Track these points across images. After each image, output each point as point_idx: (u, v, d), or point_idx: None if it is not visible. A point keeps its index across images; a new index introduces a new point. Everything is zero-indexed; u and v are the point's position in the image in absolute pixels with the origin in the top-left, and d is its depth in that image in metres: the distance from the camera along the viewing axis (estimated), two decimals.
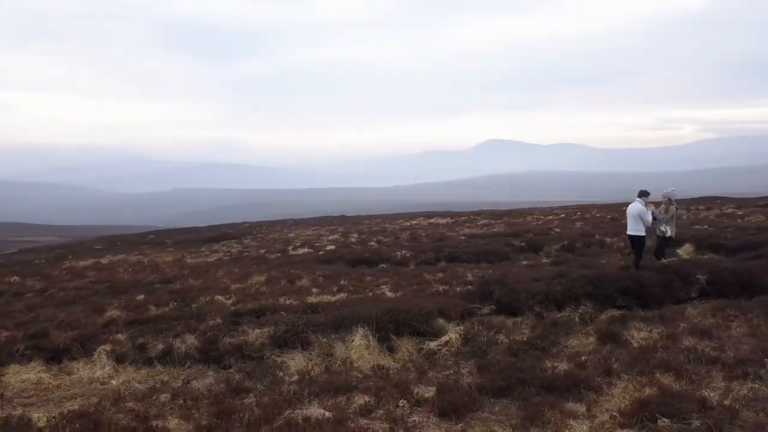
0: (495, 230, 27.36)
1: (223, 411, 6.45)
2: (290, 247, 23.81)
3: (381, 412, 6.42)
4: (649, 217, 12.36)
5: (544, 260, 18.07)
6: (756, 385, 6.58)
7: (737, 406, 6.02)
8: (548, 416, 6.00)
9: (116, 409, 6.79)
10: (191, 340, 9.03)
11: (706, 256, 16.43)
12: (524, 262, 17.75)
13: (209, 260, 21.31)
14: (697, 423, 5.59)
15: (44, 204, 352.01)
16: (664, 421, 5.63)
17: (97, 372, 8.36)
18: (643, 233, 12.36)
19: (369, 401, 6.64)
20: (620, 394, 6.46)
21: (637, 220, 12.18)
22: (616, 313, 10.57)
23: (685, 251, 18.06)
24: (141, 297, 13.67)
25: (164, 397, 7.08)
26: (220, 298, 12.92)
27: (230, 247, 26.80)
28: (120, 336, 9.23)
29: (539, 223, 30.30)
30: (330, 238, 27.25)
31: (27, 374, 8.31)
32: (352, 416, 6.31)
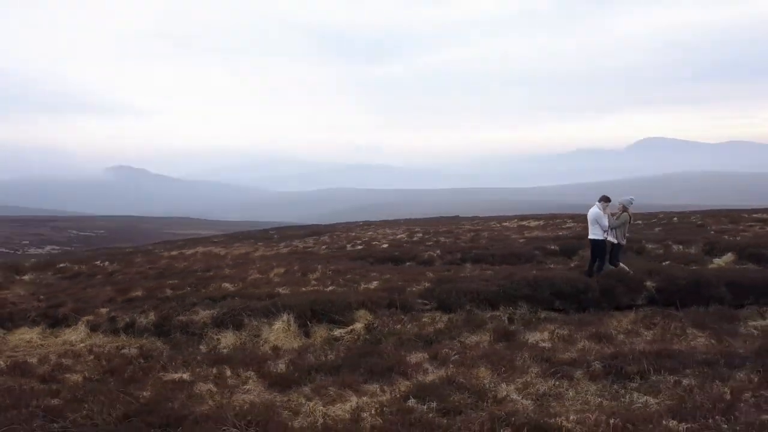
0: (561, 234, 27.02)
1: (112, 369, 8.18)
2: (349, 245, 25.49)
3: (229, 380, 7.76)
4: (605, 222, 12.31)
5: (571, 264, 17.98)
6: (556, 382, 7.01)
7: (513, 396, 6.59)
8: (342, 393, 6.97)
9: (51, 362, 8.80)
10: (151, 316, 10.94)
11: (738, 266, 15.61)
12: (551, 266, 17.82)
13: (268, 254, 23.61)
14: (449, 404, 6.30)
15: (211, 201, 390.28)
16: (414, 402, 6.40)
17: (72, 336, 10.52)
18: (601, 237, 12.33)
19: (225, 372, 8.00)
20: (418, 380, 7.23)
21: (594, 224, 12.21)
22: (548, 314, 10.94)
23: (724, 260, 17.12)
24: (174, 281, 16.00)
25: (90, 356, 8.97)
26: (227, 285, 14.83)
27: (305, 242, 29.10)
28: (102, 310, 11.40)
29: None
30: (397, 237, 28.54)
31: (26, 335, 10.69)
32: (203, 379, 7.72)
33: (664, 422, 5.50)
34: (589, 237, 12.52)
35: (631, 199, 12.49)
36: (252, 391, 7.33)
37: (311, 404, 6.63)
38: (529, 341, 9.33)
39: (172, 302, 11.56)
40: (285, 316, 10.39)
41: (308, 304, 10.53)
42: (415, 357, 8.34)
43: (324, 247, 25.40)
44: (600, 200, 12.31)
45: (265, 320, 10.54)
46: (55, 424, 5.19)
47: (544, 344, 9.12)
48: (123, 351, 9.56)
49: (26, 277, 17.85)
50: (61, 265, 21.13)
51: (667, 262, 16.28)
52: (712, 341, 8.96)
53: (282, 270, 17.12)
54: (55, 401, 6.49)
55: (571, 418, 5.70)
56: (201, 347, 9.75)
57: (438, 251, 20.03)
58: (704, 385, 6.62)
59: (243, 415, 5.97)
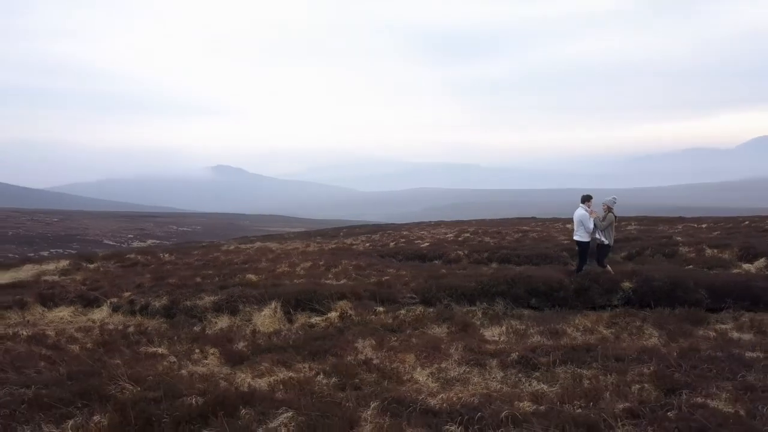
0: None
1: (104, 341, 9.60)
2: (393, 243, 26.40)
3: (195, 355, 8.94)
4: (590, 224, 12.44)
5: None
6: (468, 369, 7.63)
7: (421, 378, 7.31)
8: (274, 368, 7.94)
9: (66, 334, 10.38)
10: (164, 300, 12.39)
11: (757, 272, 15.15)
12: (572, 266, 17.94)
13: (313, 249, 24.94)
14: (352, 381, 7.11)
15: (303, 199, 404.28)
16: (321, 377, 7.26)
17: (96, 315, 12.17)
18: (586, 239, 12.48)
19: (193, 348, 9.19)
20: (343, 361, 8.06)
21: (579, 226, 12.39)
22: (521, 311, 11.38)
23: (755, 266, 16.58)
24: (209, 272, 17.58)
25: (96, 332, 10.48)
26: (251, 276, 16.17)
27: (356, 240, 30.33)
28: (126, 294, 13.01)
29: (682, 229, 28.26)
30: (445, 236, 29.10)
31: (61, 313, 12.46)
32: (174, 354, 8.94)
33: (517, 403, 6.04)
34: (574, 238, 12.72)
35: (614, 198, 12.57)
36: (207, 365, 8.45)
37: (243, 376, 7.65)
38: (485, 334, 9.89)
39: (183, 289, 12.98)
40: (273, 304, 11.50)
41: (294, 294, 11.59)
42: (362, 343, 9.15)
43: (368, 244, 26.47)
44: (583, 201, 12.48)
45: (257, 307, 11.70)
46: (8, 374, 6.49)
47: (495, 337, 9.66)
48: (129, 328, 11.01)
49: (92, 266, 20.14)
50: (129, 255, 23.50)
51: (690, 266, 16.01)
52: (662, 341, 9.16)
53: (309, 264, 18.31)
54: (42, 364, 7.90)
55: (439, 396, 6.36)
56: (195, 328, 11.03)
57: (466, 251, 20.51)
58: (597, 377, 7.03)
59: (181, 380, 7.08)
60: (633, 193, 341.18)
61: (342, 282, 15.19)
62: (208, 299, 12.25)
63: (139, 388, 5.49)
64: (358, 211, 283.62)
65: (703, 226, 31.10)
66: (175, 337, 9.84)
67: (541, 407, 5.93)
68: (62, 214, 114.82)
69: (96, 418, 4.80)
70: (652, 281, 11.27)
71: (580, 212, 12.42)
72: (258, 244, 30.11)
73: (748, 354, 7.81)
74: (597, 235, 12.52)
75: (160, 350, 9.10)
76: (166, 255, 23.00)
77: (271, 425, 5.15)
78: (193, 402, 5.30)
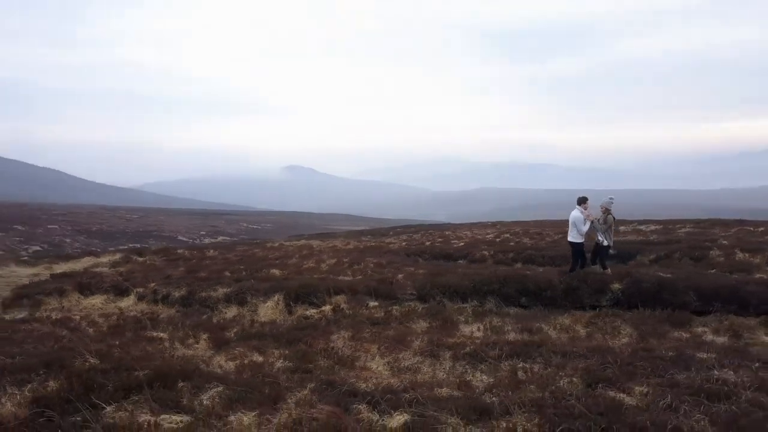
0: (653, 238, 26.05)
1: (117, 325, 10.73)
2: (428, 242, 26.89)
3: (189, 339, 9.88)
4: (583, 227, 12.53)
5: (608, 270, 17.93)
6: (421, 359, 8.16)
7: (375, 367, 7.91)
8: (247, 353, 8.73)
9: (90, 318, 11.61)
10: (183, 291, 13.50)
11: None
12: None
13: (348, 247, 25.82)
14: (308, 366, 7.79)
15: (372, 199, 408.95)
16: (281, 362, 7.98)
17: (123, 303, 13.42)
18: (579, 240, 12.58)
19: (189, 334, 10.14)
20: (307, 348, 8.74)
21: (572, 227, 12.52)
22: (511, 309, 11.72)
23: None
24: (240, 266, 18.72)
25: (114, 317, 11.67)
26: (275, 271, 17.16)
27: (398, 238, 31.01)
28: (151, 285, 14.22)
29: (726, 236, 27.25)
30: (483, 237, 29.29)
31: (95, 301, 13.80)
32: (172, 338, 9.91)
33: (437, 389, 6.55)
34: (569, 239, 12.86)
35: (611, 199, 12.60)
36: (197, 348, 9.35)
37: (218, 359, 8.48)
38: (465, 330, 10.32)
39: (205, 282, 14.07)
40: (276, 297, 12.36)
41: (296, 288, 12.40)
42: (339, 334, 9.80)
43: (405, 243, 27.07)
44: (579, 203, 12.60)
45: (263, 299, 12.59)
46: (15, 349, 7.58)
47: (473, 333, 10.08)
48: (145, 316, 12.15)
49: (141, 259, 21.80)
50: (179, 250, 25.17)
51: (713, 270, 15.73)
52: (633, 340, 9.33)
53: (333, 261, 19.16)
54: (48, 341, 9.04)
55: (372, 381, 6.94)
56: (204, 317, 12.03)
57: (493, 251, 20.76)
58: (532, 370, 7.41)
59: (166, 359, 8.00)
60: (711, 195, 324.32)
61: (357, 278, 15.90)
62: (221, 291, 13.26)
63: (98, 362, 6.38)
64: (428, 210, 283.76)
65: (760, 229, 29.78)
66: (179, 324, 10.83)
67: (456, 393, 6.41)
68: (142, 211, 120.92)
69: (51, 383, 5.71)
70: (641, 283, 11.32)
71: (575, 214, 12.57)
72: (302, 241, 31.34)
73: (699, 355, 7.91)
74: (599, 237, 12.62)
75: (161, 335, 10.09)
76: (211, 251, 24.44)
77: (201, 397, 5.91)
78: (140, 375, 6.13)
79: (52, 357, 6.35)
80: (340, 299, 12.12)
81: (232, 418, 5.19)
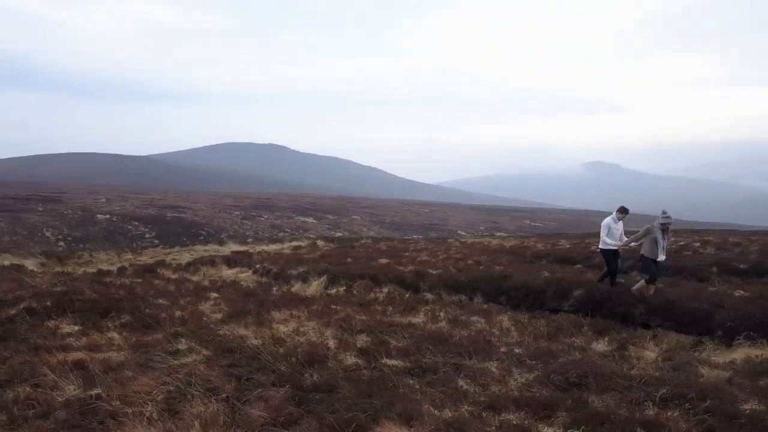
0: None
1: (198, 286, 15.29)
2: (569, 245, 26.45)
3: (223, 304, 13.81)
4: (606, 236, 12.38)
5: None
6: (314, 326, 10.63)
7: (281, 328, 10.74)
8: (222, 305, 12.22)
9: (202, 284, 16.50)
10: (276, 269, 17.63)
11: None
12: None
13: (492, 246, 26.97)
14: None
15: (681, 198, 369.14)
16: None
17: (242, 275, 18.15)
18: (602, 247, 12.32)
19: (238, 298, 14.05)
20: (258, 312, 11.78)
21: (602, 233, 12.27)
22: (485, 306, 12.90)
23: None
24: (366, 256, 22.10)
25: (206, 282, 16.33)
26: (382, 260, 20.09)
27: (558, 241, 30.61)
28: (265, 264, 18.68)
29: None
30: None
31: (230, 271, 18.84)
32: (211, 298, 13.98)
33: (289, 343, 9.12)
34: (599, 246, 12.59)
35: (666, 215, 11.67)
36: (212, 304, 13.20)
37: (203, 307, 12.17)
38: (415, 316, 12.12)
39: (312, 264, 18.02)
40: (322, 278, 15.60)
41: (334, 272, 15.45)
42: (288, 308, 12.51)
43: (550, 245, 26.88)
44: (620, 211, 12.35)
45: (317, 279, 15.93)
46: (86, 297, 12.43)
47: (412, 319, 11.81)
48: (241, 283, 16.51)
49: (322, 245, 26.98)
50: (364, 240, 29.86)
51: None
52: (537, 342, 10.14)
53: (445, 256, 21.34)
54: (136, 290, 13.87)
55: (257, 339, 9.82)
56: (274, 289, 15.87)
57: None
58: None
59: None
60: None
61: (438, 271, 18.03)
62: (299, 270, 17.01)
63: (94, 295, 10.64)
64: (750, 213, 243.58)
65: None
66: (232, 289, 14.87)
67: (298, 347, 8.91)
68: (434, 205, 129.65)
69: (47, 303, 10.13)
70: (596, 293, 11.47)
71: (605, 220, 12.43)
72: (470, 239, 33.21)
73: (517, 350, 8.72)
74: (632, 244, 11.98)
75: (212, 295, 14.22)
76: (381, 244, 28.49)
77: (124, 319, 9.69)
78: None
79: (66, 291, 10.85)
80: (358, 284, 14.74)
81: None
